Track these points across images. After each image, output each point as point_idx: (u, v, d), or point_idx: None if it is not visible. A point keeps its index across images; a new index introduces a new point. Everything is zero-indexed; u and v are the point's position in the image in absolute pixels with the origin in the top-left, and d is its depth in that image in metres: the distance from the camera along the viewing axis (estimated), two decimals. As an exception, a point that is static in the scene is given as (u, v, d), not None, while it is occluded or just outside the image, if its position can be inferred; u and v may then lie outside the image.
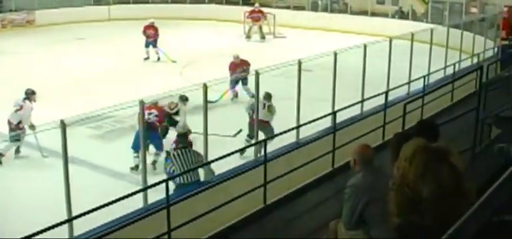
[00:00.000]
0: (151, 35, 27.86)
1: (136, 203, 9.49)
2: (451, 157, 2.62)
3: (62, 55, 27.80)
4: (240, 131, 15.39)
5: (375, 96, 14.63)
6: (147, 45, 27.93)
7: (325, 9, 39.22)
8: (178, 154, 10.88)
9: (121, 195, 8.56)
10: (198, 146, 11.58)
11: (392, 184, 2.75)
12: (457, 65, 19.67)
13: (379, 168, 6.43)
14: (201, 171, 10.94)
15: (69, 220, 8.56)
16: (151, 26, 28.12)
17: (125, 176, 12.84)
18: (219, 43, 31.38)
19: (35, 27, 36.83)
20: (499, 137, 11.23)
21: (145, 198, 9.67)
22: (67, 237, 8.68)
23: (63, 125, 8.52)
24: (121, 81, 22.62)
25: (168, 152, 11.66)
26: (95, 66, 25.95)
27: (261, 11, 34.18)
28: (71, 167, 8.81)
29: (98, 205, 8.17)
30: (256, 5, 35.09)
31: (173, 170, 10.66)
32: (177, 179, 10.56)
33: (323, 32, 34.34)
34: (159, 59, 27.70)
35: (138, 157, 12.63)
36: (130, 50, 29.01)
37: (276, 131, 11.55)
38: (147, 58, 27.85)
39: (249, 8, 35.72)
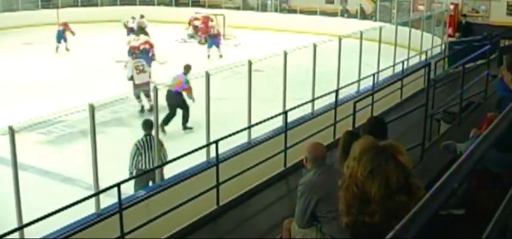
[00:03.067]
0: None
1: (88, 208, 9.40)
2: (398, 154, 2.66)
3: (7, 61, 27.20)
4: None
5: (325, 95, 14.74)
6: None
7: (274, 10, 39.37)
8: (143, 142, 11.66)
9: (73, 200, 8.50)
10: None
11: (342, 182, 2.78)
12: (405, 63, 19.90)
13: (331, 166, 6.48)
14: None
15: (20, 228, 8.45)
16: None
17: (75, 181, 12.70)
18: (168, 44, 31.37)
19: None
20: (447, 133, 11.43)
21: (98, 203, 9.58)
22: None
23: (12, 131, 8.40)
24: (70, 86, 22.32)
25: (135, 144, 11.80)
26: (43, 71, 25.57)
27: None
28: (20, 173, 8.69)
29: (49, 211, 8.09)
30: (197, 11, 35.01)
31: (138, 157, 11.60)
32: (139, 164, 11.57)
33: (273, 32, 34.43)
34: None
35: None
36: (78, 53, 28.73)
37: (227, 132, 11.54)
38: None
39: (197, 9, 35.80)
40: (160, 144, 11.67)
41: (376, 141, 2.87)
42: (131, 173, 11.58)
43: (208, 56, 28.17)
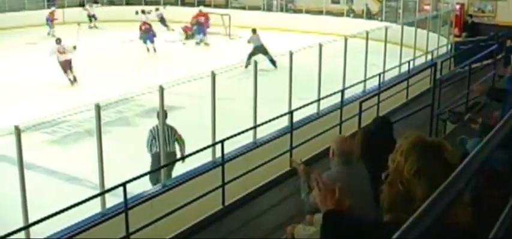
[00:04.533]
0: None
1: (94, 207, 9.40)
2: (445, 152, 2.62)
3: (12, 60, 27.20)
4: None
5: (331, 94, 14.71)
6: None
7: (280, 10, 39.31)
8: (157, 128, 11.78)
9: (78, 200, 8.50)
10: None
11: (386, 176, 2.74)
12: (411, 63, 19.85)
13: (355, 163, 6.32)
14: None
15: (26, 227, 8.45)
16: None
17: (81, 181, 12.70)
18: (170, 45, 31.50)
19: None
20: (453, 132, 11.39)
21: (103, 203, 9.57)
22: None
23: (18, 131, 8.41)
24: (74, 86, 22.40)
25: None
26: (47, 71, 25.60)
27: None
28: (26, 172, 8.69)
29: (54, 211, 8.09)
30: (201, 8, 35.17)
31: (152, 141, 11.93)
32: (154, 147, 11.83)
33: (279, 32, 34.36)
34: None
35: None
36: (84, 53, 28.78)
37: (234, 132, 11.54)
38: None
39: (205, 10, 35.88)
40: (174, 130, 11.95)
41: (424, 136, 2.83)
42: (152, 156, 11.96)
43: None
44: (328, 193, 2.93)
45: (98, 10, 38.80)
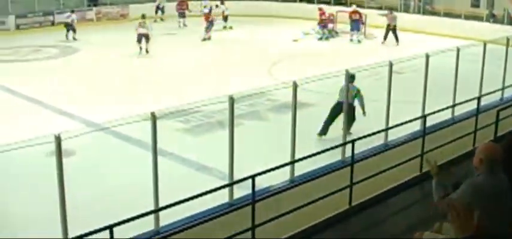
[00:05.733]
0: None
1: (221, 198, 9.54)
2: None
3: (152, 49, 28.25)
4: None
5: (466, 101, 14.23)
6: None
7: (417, 11, 38.58)
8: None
9: (207, 189, 8.66)
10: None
11: None
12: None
13: (498, 172, 6.03)
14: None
15: (156, 211, 8.69)
16: None
17: (211, 170, 12.94)
18: (304, 42, 31.60)
19: (128, 20, 37.63)
20: None
21: (231, 193, 9.70)
22: (152, 227, 8.82)
23: (154, 118, 8.63)
24: (210, 77, 22.93)
25: None
26: (184, 61, 26.44)
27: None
28: (159, 159, 8.92)
29: (183, 197, 8.27)
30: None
31: None
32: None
33: (414, 34, 33.77)
34: None
35: None
36: (223, 46, 29.55)
37: (365, 133, 11.42)
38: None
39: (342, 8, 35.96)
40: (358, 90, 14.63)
41: None
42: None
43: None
44: (467, 217, 2.84)
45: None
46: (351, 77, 13.60)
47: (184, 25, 37.06)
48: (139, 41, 27.88)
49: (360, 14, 33.47)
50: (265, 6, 41.47)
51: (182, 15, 37.39)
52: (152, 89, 20.66)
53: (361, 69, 13.12)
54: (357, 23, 33.16)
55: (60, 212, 7.87)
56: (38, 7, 36.15)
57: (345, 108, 12.56)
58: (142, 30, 28.00)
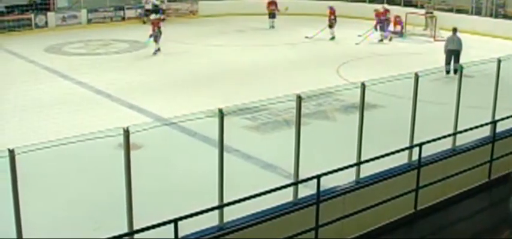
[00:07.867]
0: None
1: (285, 196, 9.56)
2: None
3: (221, 46, 28.48)
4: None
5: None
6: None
7: (489, 14, 37.78)
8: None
9: (271, 187, 8.70)
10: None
11: None
12: None
13: None
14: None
15: (221, 207, 8.76)
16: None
17: (276, 169, 12.97)
18: (370, 43, 31.33)
19: (197, 17, 38.00)
20: None
21: (296, 192, 9.71)
22: (217, 223, 8.90)
23: (221, 114, 8.70)
24: (277, 76, 22.98)
25: None
26: (252, 58, 26.57)
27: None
28: (225, 155, 8.99)
29: (248, 194, 8.33)
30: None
31: None
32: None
33: (485, 37, 33.11)
34: None
35: None
36: (291, 45, 29.55)
37: (431, 136, 11.28)
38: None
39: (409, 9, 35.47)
40: None
41: None
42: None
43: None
44: None
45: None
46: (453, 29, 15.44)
47: (272, 27, 36.15)
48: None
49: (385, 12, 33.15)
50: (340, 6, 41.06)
51: (272, 15, 36.54)
52: (220, 86, 20.85)
53: (428, 72, 12.90)
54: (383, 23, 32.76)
55: (127, 203, 8.01)
56: (109, 2, 36.96)
57: None
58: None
